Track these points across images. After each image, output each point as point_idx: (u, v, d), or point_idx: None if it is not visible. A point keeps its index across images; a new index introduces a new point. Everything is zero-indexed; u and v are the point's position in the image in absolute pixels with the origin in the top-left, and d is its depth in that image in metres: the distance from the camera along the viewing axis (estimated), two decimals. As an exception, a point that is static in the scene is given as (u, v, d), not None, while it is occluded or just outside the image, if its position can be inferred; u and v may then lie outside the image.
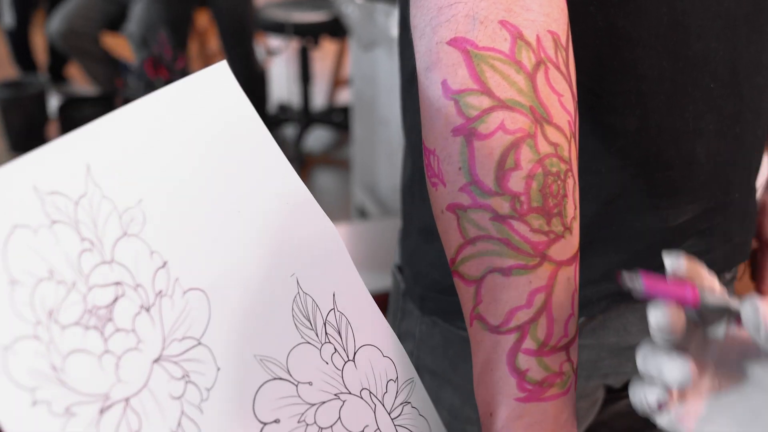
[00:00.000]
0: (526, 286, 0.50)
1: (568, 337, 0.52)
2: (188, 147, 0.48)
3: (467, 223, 0.51)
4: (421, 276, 0.76)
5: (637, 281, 0.45)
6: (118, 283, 0.44)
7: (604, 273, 0.67)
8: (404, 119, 0.77)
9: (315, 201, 0.54)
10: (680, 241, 0.68)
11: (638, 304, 0.68)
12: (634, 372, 0.69)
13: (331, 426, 0.52)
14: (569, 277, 0.52)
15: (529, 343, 0.50)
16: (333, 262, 0.56)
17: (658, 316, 0.44)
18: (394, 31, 2.07)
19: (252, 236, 0.51)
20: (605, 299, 0.69)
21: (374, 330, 0.57)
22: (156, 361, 0.45)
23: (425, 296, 0.76)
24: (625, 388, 0.78)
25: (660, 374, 0.46)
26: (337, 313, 0.55)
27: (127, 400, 0.43)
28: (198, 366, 0.47)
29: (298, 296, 0.53)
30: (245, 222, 0.50)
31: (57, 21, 3.19)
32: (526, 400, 0.51)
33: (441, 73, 0.50)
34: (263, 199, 0.51)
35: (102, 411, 0.41)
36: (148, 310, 0.45)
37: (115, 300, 0.43)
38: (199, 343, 0.47)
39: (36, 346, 0.40)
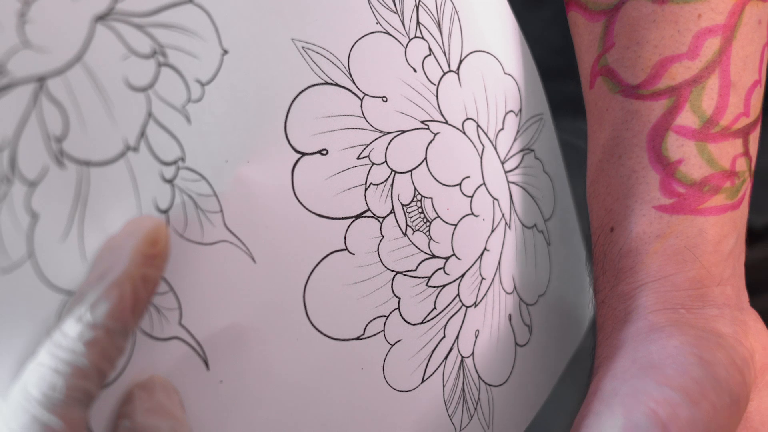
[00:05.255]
0: (691, 23, 0.35)
1: (750, 117, 0.36)
2: None
3: None
4: None
5: None
6: None
7: None
8: None
9: None
10: None
11: None
12: None
13: (411, 171, 0.33)
14: (761, 19, 0.36)
15: (687, 118, 0.36)
16: None
17: None
18: None
19: None
20: None
21: (494, 30, 0.36)
22: (102, 18, 0.25)
23: None
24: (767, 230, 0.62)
25: None
26: None
27: (41, 80, 0.23)
28: (183, 40, 0.27)
29: None
30: None
31: None
32: (672, 210, 0.36)
33: None
34: None
35: None
36: None
37: None
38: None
39: None
